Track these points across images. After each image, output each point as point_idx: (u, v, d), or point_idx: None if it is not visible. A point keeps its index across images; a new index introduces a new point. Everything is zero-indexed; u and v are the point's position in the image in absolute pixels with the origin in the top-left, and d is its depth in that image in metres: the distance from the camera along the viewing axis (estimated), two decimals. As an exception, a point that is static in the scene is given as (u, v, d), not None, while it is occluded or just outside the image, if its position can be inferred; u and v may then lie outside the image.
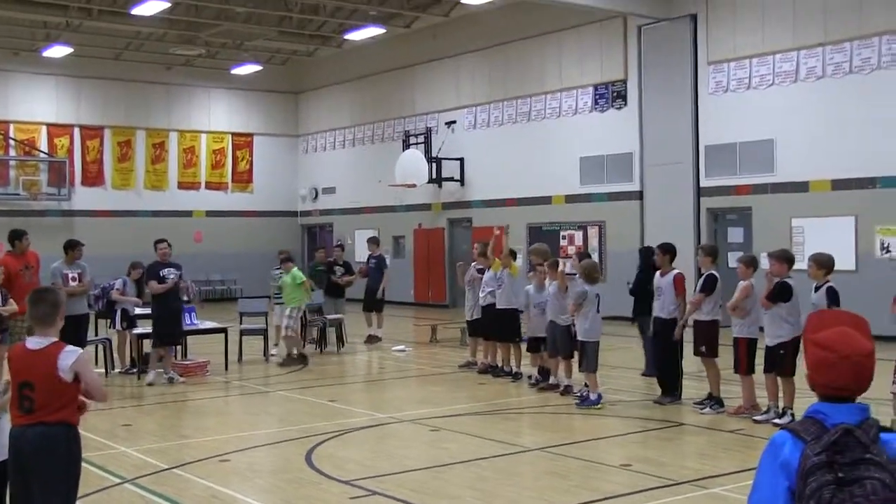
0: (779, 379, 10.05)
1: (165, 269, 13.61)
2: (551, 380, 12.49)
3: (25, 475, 5.10)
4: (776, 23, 18.68)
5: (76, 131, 28.73)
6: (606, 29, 21.97)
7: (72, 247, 13.29)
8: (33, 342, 5.18)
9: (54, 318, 5.21)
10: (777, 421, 9.75)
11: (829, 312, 2.98)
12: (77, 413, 5.19)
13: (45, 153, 28.13)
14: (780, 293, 9.96)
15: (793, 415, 9.75)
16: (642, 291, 12.77)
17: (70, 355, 5.10)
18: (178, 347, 15.08)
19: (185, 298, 13.79)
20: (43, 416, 5.05)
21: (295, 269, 15.71)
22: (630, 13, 20.93)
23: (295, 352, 15.38)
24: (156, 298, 13.67)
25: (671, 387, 11.39)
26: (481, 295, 13.99)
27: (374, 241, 19.46)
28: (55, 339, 5.19)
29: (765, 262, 10.77)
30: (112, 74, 28.91)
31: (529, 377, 13.05)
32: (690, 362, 11.78)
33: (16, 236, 12.75)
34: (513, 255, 13.94)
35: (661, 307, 11.39)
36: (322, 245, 25.61)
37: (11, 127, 27.74)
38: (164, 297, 13.57)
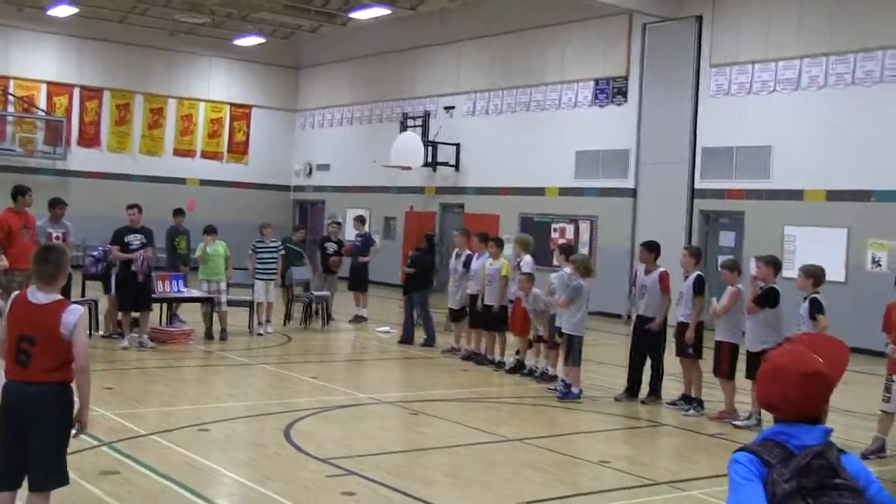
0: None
1: (132, 235, 13.52)
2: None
3: (20, 431, 5.11)
4: (782, 29, 18.63)
5: (76, 91, 28.56)
6: (611, 25, 21.91)
7: (54, 205, 13.12)
8: (36, 296, 5.13)
9: (58, 277, 5.20)
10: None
11: (809, 335, 2.95)
12: (72, 371, 5.18)
13: (43, 111, 27.97)
14: (768, 298, 9.92)
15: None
16: (421, 270, 15.61)
17: (74, 314, 5.11)
18: (162, 314, 15.05)
19: (133, 269, 13.37)
20: (43, 376, 5.04)
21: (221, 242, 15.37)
22: (636, 10, 20.85)
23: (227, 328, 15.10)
24: (120, 265, 13.58)
25: (652, 386, 11.37)
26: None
27: (360, 220, 19.38)
28: (59, 296, 5.18)
29: (751, 266, 10.73)
30: (115, 37, 28.70)
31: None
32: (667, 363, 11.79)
33: (19, 192, 12.52)
34: (499, 243, 13.89)
35: (647, 306, 11.29)
36: (302, 225, 25.20)
37: (11, 83, 27.57)
38: (127, 264, 13.49)
